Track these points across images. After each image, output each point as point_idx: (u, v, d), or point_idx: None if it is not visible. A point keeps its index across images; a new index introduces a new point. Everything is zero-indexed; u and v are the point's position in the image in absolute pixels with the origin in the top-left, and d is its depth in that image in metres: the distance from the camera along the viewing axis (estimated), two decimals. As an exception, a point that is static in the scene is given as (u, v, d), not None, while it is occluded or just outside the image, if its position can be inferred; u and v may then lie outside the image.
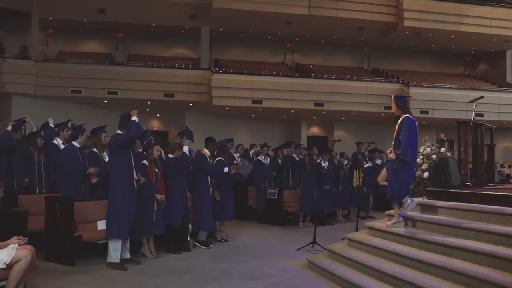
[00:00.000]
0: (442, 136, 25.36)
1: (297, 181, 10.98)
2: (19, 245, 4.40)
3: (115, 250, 6.23)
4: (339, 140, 8.45)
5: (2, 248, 4.39)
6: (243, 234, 9.34)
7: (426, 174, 7.29)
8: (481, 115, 18.42)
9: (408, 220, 6.13)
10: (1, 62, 17.94)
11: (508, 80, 25.23)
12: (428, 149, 7.54)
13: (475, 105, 7.56)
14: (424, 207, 6.31)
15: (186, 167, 7.75)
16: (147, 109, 20.90)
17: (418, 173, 7.40)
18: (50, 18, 20.95)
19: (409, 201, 5.91)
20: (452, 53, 26.90)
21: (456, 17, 21.87)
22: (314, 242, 7.81)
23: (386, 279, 5.21)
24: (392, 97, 6.34)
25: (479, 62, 27.64)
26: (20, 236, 4.51)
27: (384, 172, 6.23)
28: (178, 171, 7.54)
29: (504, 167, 20.49)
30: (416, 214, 6.20)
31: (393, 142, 6.12)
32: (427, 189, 6.80)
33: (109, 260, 6.24)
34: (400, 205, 6.04)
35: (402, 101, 6.28)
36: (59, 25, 21.82)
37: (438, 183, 6.69)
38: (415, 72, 25.41)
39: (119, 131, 6.42)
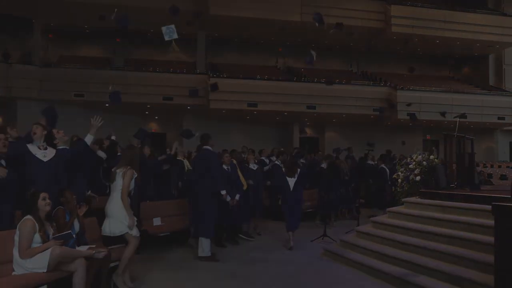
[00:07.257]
0: (428, 137, 27.61)
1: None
2: None
3: (207, 246, 7.80)
4: (346, 149, 10.23)
5: None
6: (263, 229, 11.22)
7: (418, 178, 9.22)
8: (465, 116, 20.44)
9: (406, 215, 8.10)
10: (7, 67, 19.25)
11: (491, 83, 27.39)
12: (420, 156, 9.46)
13: (458, 120, 9.59)
14: (419, 205, 8.27)
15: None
16: (146, 112, 22.38)
17: (411, 176, 9.34)
18: (52, 24, 22.22)
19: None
20: (437, 57, 28.82)
21: (441, 23, 23.80)
22: (324, 235, 9.76)
23: (389, 260, 7.06)
24: None
25: (463, 66, 29.66)
26: None
27: None
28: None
29: (486, 167, 22.10)
30: (415, 211, 8.14)
31: None
32: (420, 190, 8.73)
33: (201, 254, 7.80)
34: None
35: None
36: (58, 30, 23.00)
37: (429, 185, 8.69)
38: (402, 76, 27.18)
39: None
